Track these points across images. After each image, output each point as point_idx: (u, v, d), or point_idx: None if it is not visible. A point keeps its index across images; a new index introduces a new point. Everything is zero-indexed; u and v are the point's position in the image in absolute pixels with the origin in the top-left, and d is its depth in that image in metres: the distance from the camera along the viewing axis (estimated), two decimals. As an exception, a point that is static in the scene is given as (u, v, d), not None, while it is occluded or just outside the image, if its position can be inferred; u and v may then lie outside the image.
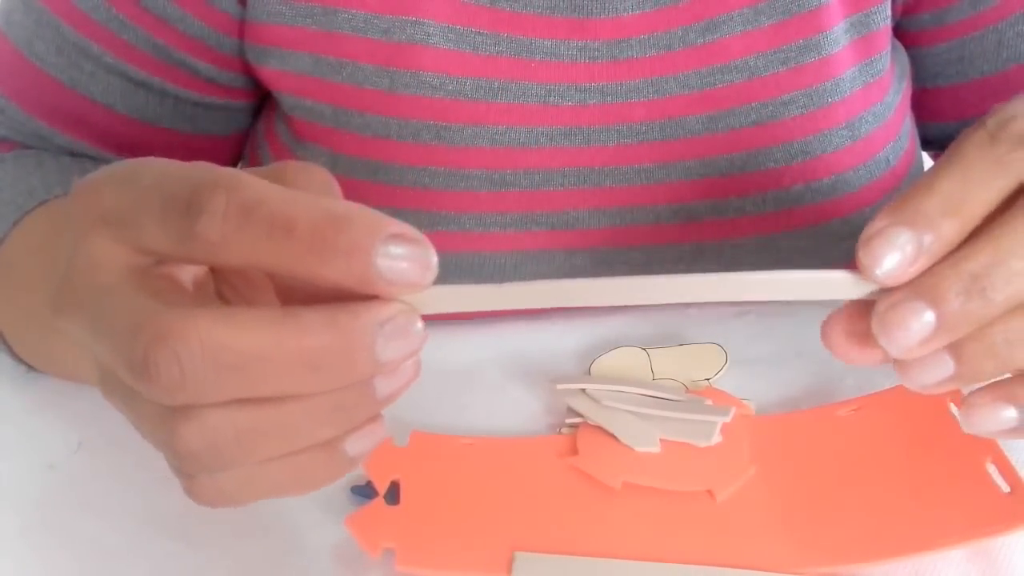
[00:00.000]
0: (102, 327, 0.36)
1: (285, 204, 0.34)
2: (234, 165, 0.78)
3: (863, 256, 0.38)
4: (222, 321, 0.34)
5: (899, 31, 0.71)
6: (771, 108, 0.66)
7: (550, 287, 0.40)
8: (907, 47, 0.72)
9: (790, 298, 0.40)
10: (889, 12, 0.67)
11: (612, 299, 0.41)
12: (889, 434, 0.53)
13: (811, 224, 0.68)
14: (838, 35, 0.66)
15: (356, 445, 0.38)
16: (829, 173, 0.67)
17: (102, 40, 0.67)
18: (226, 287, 0.41)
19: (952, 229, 0.38)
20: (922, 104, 0.74)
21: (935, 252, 0.38)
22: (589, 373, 0.59)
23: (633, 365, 0.59)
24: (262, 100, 0.73)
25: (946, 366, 0.39)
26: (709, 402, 0.56)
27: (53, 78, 0.68)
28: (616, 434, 0.54)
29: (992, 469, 0.50)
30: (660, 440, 0.53)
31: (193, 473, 0.37)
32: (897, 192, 0.70)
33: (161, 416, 0.36)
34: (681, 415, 0.55)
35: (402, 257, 0.34)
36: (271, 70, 0.67)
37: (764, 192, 0.67)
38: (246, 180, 0.35)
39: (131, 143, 0.70)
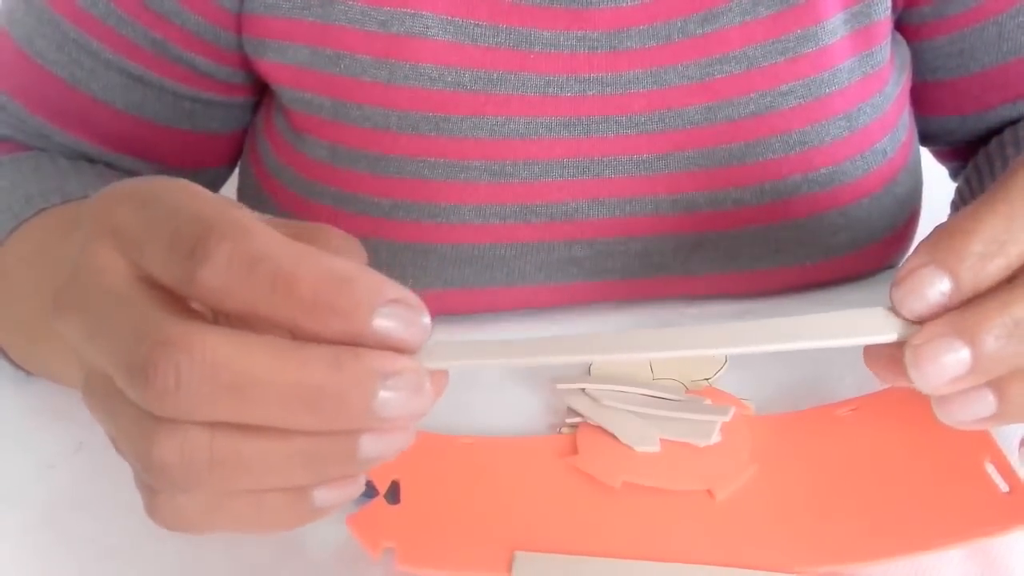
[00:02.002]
0: (104, 327, 0.36)
1: (290, 261, 0.34)
2: (233, 162, 0.78)
3: (897, 295, 0.38)
4: (227, 340, 0.34)
5: (900, 24, 0.71)
6: (769, 98, 0.66)
7: (563, 342, 0.39)
8: (908, 40, 0.72)
9: (825, 344, 0.39)
10: (889, 4, 0.67)
11: (643, 351, 0.40)
12: (888, 434, 0.53)
13: (809, 214, 0.68)
14: (836, 25, 0.66)
15: (325, 497, 0.37)
16: (827, 164, 0.67)
17: (102, 37, 0.66)
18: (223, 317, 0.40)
19: (994, 272, 0.37)
20: (923, 97, 0.74)
21: (970, 293, 0.37)
22: (589, 373, 0.59)
23: (633, 365, 0.59)
24: (261, 97, 0.73)
25: (987, 404, 0.38)
26: (709, 402, 0.56)
27: (54, 75, 0.68)
28: (616, 434, 0.54)
29: (991, 469, 0.50)
30: (660, 440, 0.53)
31: (159, 488, 0.36)
32: (894, 184, 0.70)
33: (142, 425, 0.35)
34: (681, 415, 0.55)
35: (397, 322, 0.35)
36: (269, 63, 0.66)
37: (762, 182, 0.67)
38: (257, 231, 0.35)
39: (131, 141, 0.70)
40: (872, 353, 0.41)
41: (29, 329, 0.60)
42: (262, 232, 0.35)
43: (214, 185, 0.78)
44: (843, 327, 0.39)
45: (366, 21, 0.64)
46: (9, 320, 0.62)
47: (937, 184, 0.79)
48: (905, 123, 0.72)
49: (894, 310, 0.38)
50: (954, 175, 0.82)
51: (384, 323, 0.35)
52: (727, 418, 0.54)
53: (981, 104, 0.73)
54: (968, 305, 0.37)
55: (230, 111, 0.72)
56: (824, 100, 0.66)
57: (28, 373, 0.63)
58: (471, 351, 0.39)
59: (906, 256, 0.39)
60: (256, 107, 0.74)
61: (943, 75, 0.72)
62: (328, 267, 0.34)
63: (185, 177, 0.75)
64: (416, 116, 0.65)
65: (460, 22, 0.64)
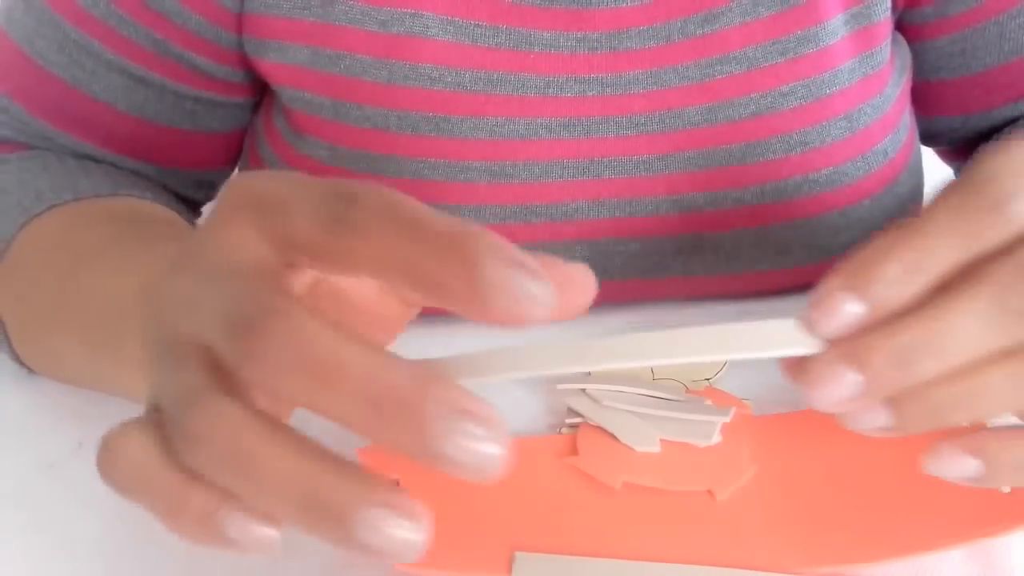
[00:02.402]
0: (220, 286, 0.35)
1: (423, 210, 0.34)
2: (233, 162, 0.78)
3: (811, 315, 0.39)
4: (332, 327, 0.33)
5: (901, 24, 0.71)
6: (770, 99, 0.66)
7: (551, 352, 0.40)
8: (909, 40, 0.72)
9: (735, 356, 0.41)
10: (890, 4, 0.67)
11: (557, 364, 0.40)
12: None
13: (809, 215, 0.68)
14: (836, 26, 0.66)
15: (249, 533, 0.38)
16: (827, 165, 0.67)
17: (102, 37, 0.66)
18: None
19: (903, 298, 0.39)
20: (925, 97, 0.74)
21: (881, 318, 0.39)
22: (589, 373, 0.59)
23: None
24: (262, 96, 0.73)
25: (882, 418, 0.40)
26: (709, 402, 0.56)
27: (54, 76, 0.68)
28: (616, 434, 0.54)
29: (991, 469, 0.50)
30: (660, 440, 0.53)
31: (181, 449, 0.35)
32: (895, 185, 0.70)
33: (194, 394, 0.35)
34: (681, 415, 0.55)
35: (510, 278, 0.34)
36: (269, 63, 0.66)
37: (763, 183, 0.67)
38: (402, 196, 0.35)
39: (132, 141, 0.70)
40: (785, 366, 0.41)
41: (44, 321, 0.60)
42: (409, 199, 0.35)
43: (214, 185, 0.78)
44: (761, 339, 0.40)
45: (366, 21, 0.64)
46: (27, 311, 0.62)
47: (938, 185, 0.79)
48: (906, 124, 0.72)
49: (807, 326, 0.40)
50: (958, 174, 0.82)
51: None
52: (727, 418, 0.54)
53: (984, 103, 0.73)
54: (863, 332, 0.39)
55: (230, 111, 0.72)
56: (825, 101, 0.66)
57: (30, 371, 0.63)
58: (488, 366, 0.39)
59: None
60: (257, 106, 0.74)
61: (945, 75, 0.72)
62: (454, 222, 0.34)
63: (185, 177, 0.76)
64: (416, 116, 0.65)
65: (460, 22, 0.64)
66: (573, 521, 0.50)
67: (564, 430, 0.56)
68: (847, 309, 0.38)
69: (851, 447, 0.53)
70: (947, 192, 0.39)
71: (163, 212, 0.67)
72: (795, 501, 0.50)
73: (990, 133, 0.75)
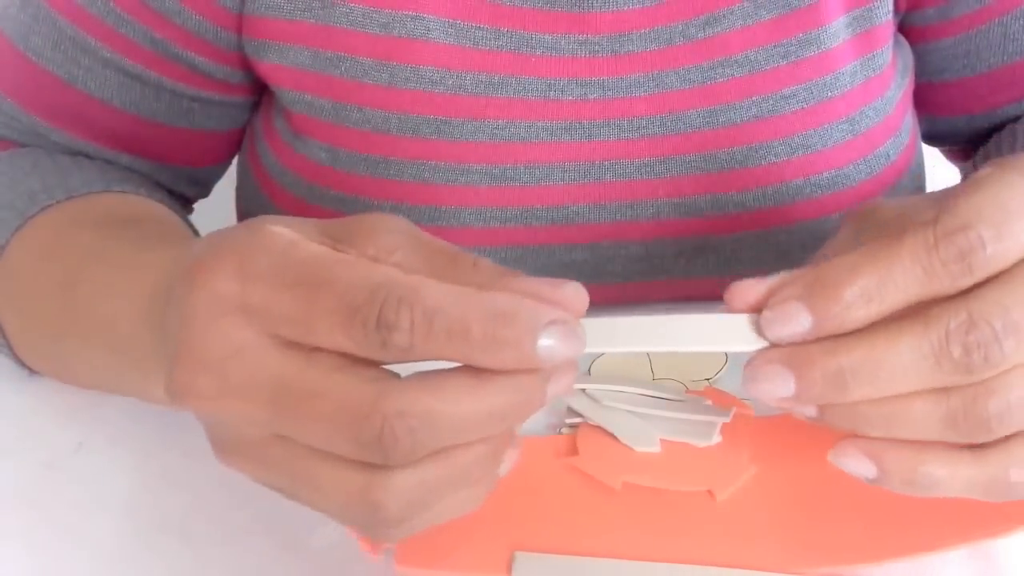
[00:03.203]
0: (303, 410, 0.39)
1: (460, 309, 0.38)
2: (230, 159, 0.78)
3: (764, 317, 0.42)
4: (434, 393, 0.39)
5: (904, 26, 0.71)
6: (771, 102, 0.66)
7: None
8: (912, 42, 0.72)
9: (689, 349, 0.44)
10: (891, 7, 0.67)
11: None
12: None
13: (811, 218, 0.68)
14: (838, 29, 0.66)
15: (507, 463, 0.44)
16: (829, 167, 0.67)
17: (100, 35, 0.66)
18: None
19: (854, 321, 0.41)
20: (929, 99, 0.74)
21: (829, 334, 0.41)
22: (589, 373, 0.59)
23: (633, 365, 0.59)
24: (260, 96, 0.73)
25: (807, 412, 0.43)
26: (709, 402, 0.56)
27: (50, 73, 0.68)
28: (616, 434, 0.54)
29: (992, 469, 0.49)
30: (660, 440, 0.53)
31: (386, 459, 0.39)
32: (896, 188, 0.70)
33: (354, 485, 0.40)
34: (681, 415, 0.55)
35: (559, 340, 0.39)
36: (269, 64, 0.66)
37: (764, 187, 0.67)
38: (423, 289, 0.39)
39: (128, 139, 0.70)
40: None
41: (48, 327, 0.60)
42: (428, 286, 0.39)
43: (208, 182, 0.78)
44: (709, 332, 0.43)
45: (367, 23, 0.64)
46: (26, 319, 0.62)
47: (939, 187, 0.79)
48: (908, 126, 0.71)
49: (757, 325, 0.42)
50: (964, 175, 0.82)
51: (548, 343, 0.39)
52: (727, 419, 0.54)
53: (988, 104, 0.73)
54: (807, 343, 0.41)
55: (228, 110, 0.72)
56: (826, 104, 0.66)
57: (31, 372, 0.63)
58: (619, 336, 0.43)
59: None
60: (255, 106, 0.74)
61: (949, 76, 0.72)
62: (493, 307, 0.39)
63: (179, 174, 0.76)
64: (417, 119, 0.65)
65: (461, 25, 0.64)
66: (573, 521, 0.50)
67: (564, 430, 0.56)
68: (799, 320, 0.41)
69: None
70: (924, 225, 0.40)
71: (156, 209, 0.67)
72: (795, 501, 0.50)
73: (994, 132, 0.75)
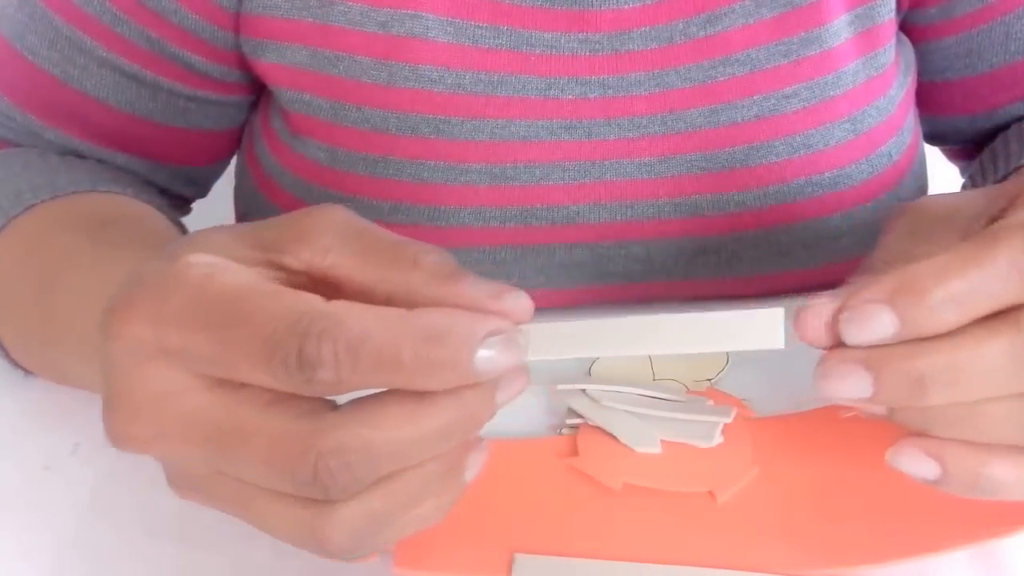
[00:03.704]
0: (238, 450, 0.38)
1: (387, 334, 0.37)
2: (228, 159, 0.78)
3: (844, 317, 0.40)
4: (370, 424, 0.37)
5: (906, 25, 0.71)
6: (773, 101, 0.65)
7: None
8: (914, 41, 0.72)
9: (723, 348, 0.43)
10: (893, 5, 0.67)
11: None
12: (891, 436, 0.52)
13: (812, 218, 0.68)
14: (840, 28, 0.65)
15: (472, 470, 0.43)
16: (831, 167, 0.67)
17: (96, 34, 0.66)
18: None
19: (940, 326, 0.39)
20: (931, 98, 0.74)
21: (912, 338, 0.39)
22: (589, 374, 0.59)
23: (634, 365, 0.59)
24: (257, 96, 0.73)
25: (877, 411, 0.41)
26: (710, 403, 0.56)
27: (46, 72, 0.68)
28: (616, 435, 0.54)
29: (995, 470, 0.49)
30: (661, 441, 0.53)
31: (328, 495, 0.38)
32: (899, 188, 0.70)
33: (299, 521, 0.39)
34: (682, 416, 0.54)
35: (498, 352, 0.38)
36: (267, 63, 0.66)
37: (765, 186, 0.67)
38: (345, 317, 0.37)
39: (124, 138, 0.70)
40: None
41: (31, 331, 0.59)
42: (350, 314, 0.37)
43: (205, 182, 0.78)
44: (735, 330, 0.42)
45: (366, 22, 0.64)
46: (9, 320, 0.62)
47: (941, 187, 0.79)
48: (910, 126, 0.71)
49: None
50: (964, 174, 0.82)
51: (486, 355, 0.38)
52: (729, 419, 0.54)
53: (990, 103, 0.73)
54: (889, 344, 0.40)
55: (225, 110, 0.72)
56: (828, 103, 0.66)
57: (26, 372, 0.63)
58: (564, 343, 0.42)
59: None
60: (252, 106, 0.74)
61: (951, 75, 0.72)
62: (424, 327, 0.37)
63: (175, 174, 0.76)
64: (416, 118, 0.65)
65: (460, 23, 0.64)
66: (573, 522, 0.50)
67: (564, 431, 0.55)
68: (881, 323, 0.39)
69: (853, 449, 0.52)
70: (1011, 232, 0.39)
71: (140, 209, 0.66)
72: (796, 503, 0.50)
73: (996, 132, 0.75)
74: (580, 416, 0.56)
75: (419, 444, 0.38)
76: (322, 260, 0.40)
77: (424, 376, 0.37)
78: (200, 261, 0.39)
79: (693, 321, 0.41)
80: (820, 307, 0.41)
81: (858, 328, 0.40)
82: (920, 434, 0.41)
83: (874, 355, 0.40)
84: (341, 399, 0.39)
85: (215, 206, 0.79)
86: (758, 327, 0.41)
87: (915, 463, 0.41)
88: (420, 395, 0.38)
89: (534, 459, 0.53)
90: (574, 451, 0.54)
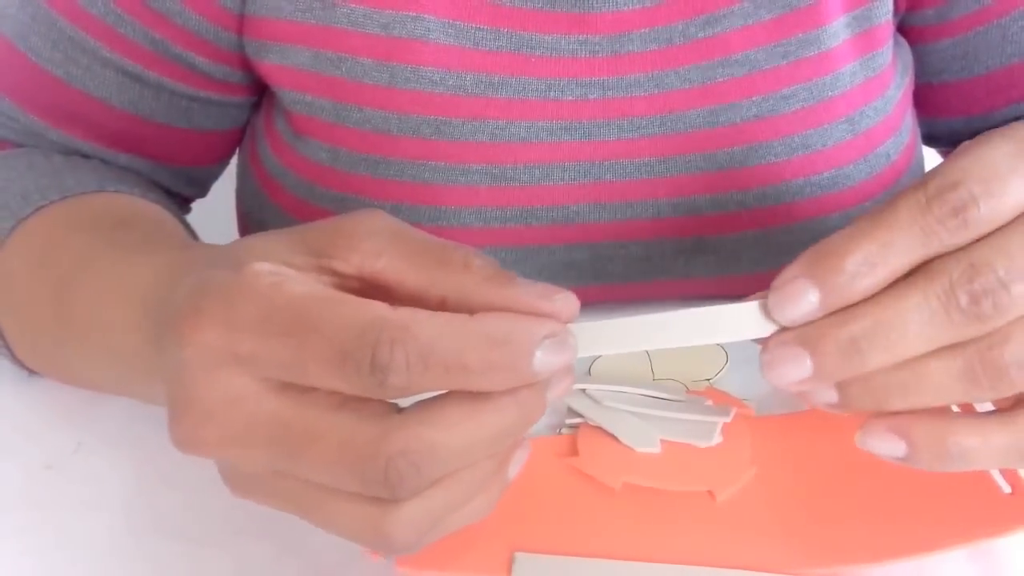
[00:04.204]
0: (307, 452, 0.39)
1: (454, 341, 0.38)
2: (227, 161, 0.78)
3: (772, 301, 0.41)
4: (437, 426, 0.39)
5: (902, 27, 0.71)
6: (771, 102, 0.66)
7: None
8: (911, 43, 0.72)
9: (702, 341, 0.43)
10: (891, 7, 0.67)
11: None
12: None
13: (811, 218, 0.68)
14: (838, 29, 0.65)
15: (515, 467, 0.44)
16: (829, 167, 0.67)
17: (99, 35, 0.66)
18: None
19: (860, 290, 0.40)
20: (927, 100, 0.74)
21: (838, 307, 0.41)
22: (589, 373, 0.59)
23: (633, 365, 0.59)
24: (260, 97, 0.73)
25: (827, 396, 0.42)
26: (709, 402, 0.56)
27: (49, 73, 0.68)
28: (616, 434, 0.54)
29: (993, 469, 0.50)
30: (660, 440, 0.53)
31: (395, 494, 0.39)
32: (897, 188, 0.70)
33: (364, 519, 0.40)
34: (681, 415, 0.54)
35: (554, 353, 0.40)
36: (270, 64, 0.66)
37: (764, 186, 0.67)
38: (413, 325, 0.38)
39: (127, 138, 0.70)
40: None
41: (46, 333, 0.59)
42: (418, 322, 0.38)
43: (207, 182, 0.78)
44: (718, 322, 0.43)
45: (368, 24, 0.64)
46: (23, 324, 0.62)
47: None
48: (908, 126, 0.71)
49: (766, 310, 0.42)
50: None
51: (543, 358, 0.39)
52: (728, 419, 0.54)
53: (986, 105, 0.73)
54: (818, 320, 0.41)
55: (228, 110, 0.72)
56: (826, 103, 0.66)
57: (30, 372, 0.63)
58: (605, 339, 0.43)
59: None
60: (255, 107, 0.74)
61: (948, 77, 0.72)
62: (487, 334, 0.39)
63: (177, 174, 0.76)
64: (417, 119, 0.65)
65: (461, 26, 0.64)
66: (573, 521, 0.50)
67: (564, 430, 0.56)
68: (806, 297, 0.40)
69: (852, 448, 0.52)
70: (915, 188, 0.41)
71: (150, 209, 0.66)
72: (796, 502, 0.50)
73: (994, 134, 0.75)
74: (580, 416, 0.56)
75: (480, 443, 0.40)
76: (373, 264, 0.41)
77: (487, 379, 0.39)
78: (266, 270, 0.41)
79: (685, 316, 0.43)
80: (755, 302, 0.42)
81: (787, 305, 0.41)
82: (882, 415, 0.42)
83: (806, 330, 0.41)
84: (403, 402, 0.40)
85: (216, 206, 0.79)
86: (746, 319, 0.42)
87: (882, 442, 0.42)
88: (481, 396, 0.39)
89: (534, 459, 0.53)
90: (574, 451, 0.54)
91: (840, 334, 0.40)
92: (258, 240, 0.44)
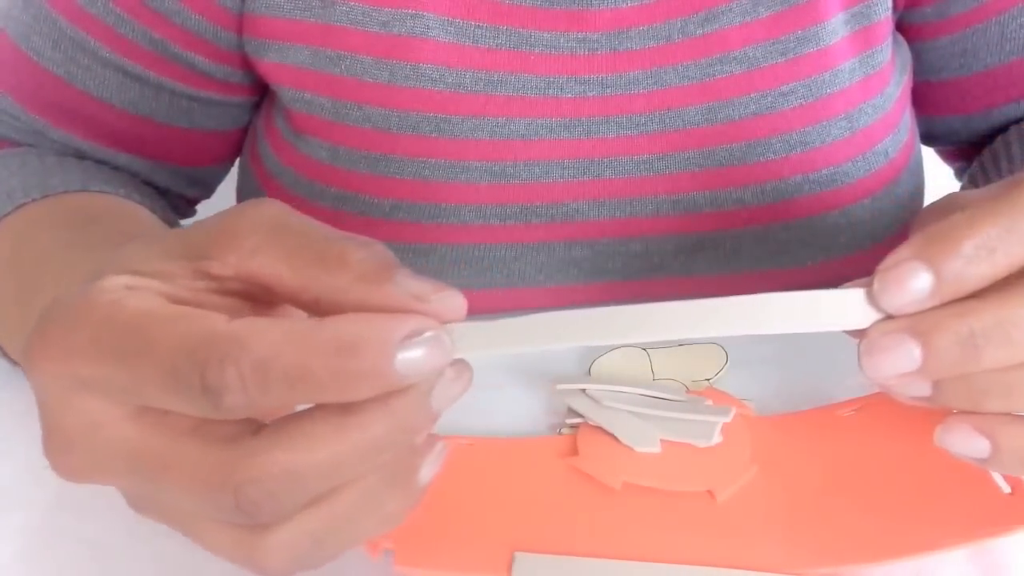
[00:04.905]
0: (161, 480, 0.37)
1: (295, 351, 0.35)
2: (232, 160, 0.78)
3: (878, 284, 0.38)
4: (291, 448, 0.35)
5: (901, 24, 0.71)
6: (770, 99, 0.66)
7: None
8: (909, 41, 0.72)
9: (797, 329, 0.39)
10: (890, 4, 0.67)
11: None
12: (890, 435, 0.53)
13: (810, 215, 0.68)
14: (836, 26, 0.65)
15: (428, 471, 0.40)
16: (827, 164, 0.67)
17: (99, 35, 0.66)
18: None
19: (976, 277, 0.37)
20: (926, 97, 0.74)
21: (952, 297, 0.38)
22: (589, 373, 0.59)
23: (633, 365, 0.59)
24: (260, 97, 0.73)
25: (920, 390, 0.39)
26: (709, 402, 0.56)
27: (50, 73, 0.68)
28: (616, 434, 0.54)
29: (993, 470, 0.50)
30: (660, 440, 0.53)
31: (259, 518, 0.37)
32: (895, 185, 0.70)
33: (236, 544, 0.38)
34: (681, 415, 0.54)
35: (421, 353, 0.36)
36: (270, 63, 0.66)
37: (763, 183, 0.67)
38: (248, 338, 0.35)
39: (128, 138, 0.70)
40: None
41: (20, 333, 0.59)
42: (254, 333, 0.35)
43: (211, 182, 0.78)
44: (816, 309, 0.39)
45: (367, 22, 0.64)
46: (1, 321, 0.62)
47: (939, 185, 0.79)
48: (907, 123, 0.71)
49: (871, 297, 0.38)
50: (959, 175, 0.82)
51: (409, 357, 0.35)
52: (728, 419, 0.54)
53: (985, 103, 0.73)
54: (931, 309, 0.38)
55: (228, 110, 0.72)
56: (825, 100, 0.66)
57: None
58: (499, 337, 0.39)
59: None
60: (255, 107, 0.74)
61: (946, 75, 0.72)
62: (334, 338, 0.35)
63: (179, 174, 0.76)
64: (416, 117, 0.65)
65: (460, 23, 0.64)
66: (573, 521, 0.50)
67: (564, 430, 0.56)
68: (918, 281, 0.37)
69: (851, 448, 0.53)
70: None
71: (126, 207, 0.66)
72: (795, 502, 0.50)
73: (992, 133, 0.75)
74: (580, 416, 0.56)
75: (348, 461, 0.36)
76: (249, 263, 0.38)
77: (344, 389, 0.35)
78: (111, 286, 0.38)
79: (779, 301, 0.39)
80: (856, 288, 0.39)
81: (895, 289, 0.37)
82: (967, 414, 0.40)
83: (920, 319, 0.37)
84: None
85: (217, 206, 0.79)
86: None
87: (965, 441, 0.40)
88: (346, 408, 0.36)
89: (534, 459, 0.54)
90: (574, 451, 0.54)
91: (959, 327, 0.37)
92: (135, 245, 0.41)
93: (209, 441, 0.36)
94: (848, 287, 0.39)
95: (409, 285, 0.37)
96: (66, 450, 0.38)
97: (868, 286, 0.38)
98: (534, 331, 0.39)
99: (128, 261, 0.39)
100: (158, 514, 0.40)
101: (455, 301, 0.38)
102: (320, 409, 0.36)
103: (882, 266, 0.38)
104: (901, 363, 0.37)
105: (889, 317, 0.38)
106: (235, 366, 0.34)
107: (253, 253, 0.38)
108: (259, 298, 0.39)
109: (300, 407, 0.37)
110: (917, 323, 0.37)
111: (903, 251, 0.38)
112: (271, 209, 0.39)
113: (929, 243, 0.37)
